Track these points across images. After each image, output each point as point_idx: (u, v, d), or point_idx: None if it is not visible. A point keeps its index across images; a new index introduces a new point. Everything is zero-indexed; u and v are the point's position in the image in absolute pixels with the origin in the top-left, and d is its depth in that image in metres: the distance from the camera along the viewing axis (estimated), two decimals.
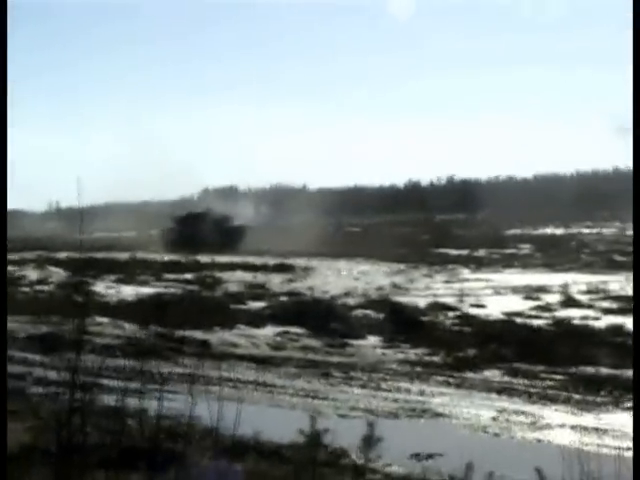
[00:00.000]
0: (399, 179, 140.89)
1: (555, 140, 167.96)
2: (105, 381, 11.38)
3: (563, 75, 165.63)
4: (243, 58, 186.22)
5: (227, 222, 58.92)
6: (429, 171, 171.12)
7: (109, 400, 8.48)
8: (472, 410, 11.83)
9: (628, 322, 15.89)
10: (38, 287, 28.23)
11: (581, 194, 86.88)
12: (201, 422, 8.66)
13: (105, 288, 27.79)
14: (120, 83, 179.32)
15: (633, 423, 7.40)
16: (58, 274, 32.25)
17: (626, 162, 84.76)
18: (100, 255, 43.56)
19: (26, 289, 27.90)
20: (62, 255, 38.79)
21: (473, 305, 23.15)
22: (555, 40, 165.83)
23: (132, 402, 8.61)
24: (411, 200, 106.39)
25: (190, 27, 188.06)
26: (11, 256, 44.66)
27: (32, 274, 33.00)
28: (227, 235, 54.27)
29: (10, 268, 36.27)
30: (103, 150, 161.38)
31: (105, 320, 19.19)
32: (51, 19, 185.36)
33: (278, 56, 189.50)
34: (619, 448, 9.05)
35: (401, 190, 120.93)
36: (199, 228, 54.57)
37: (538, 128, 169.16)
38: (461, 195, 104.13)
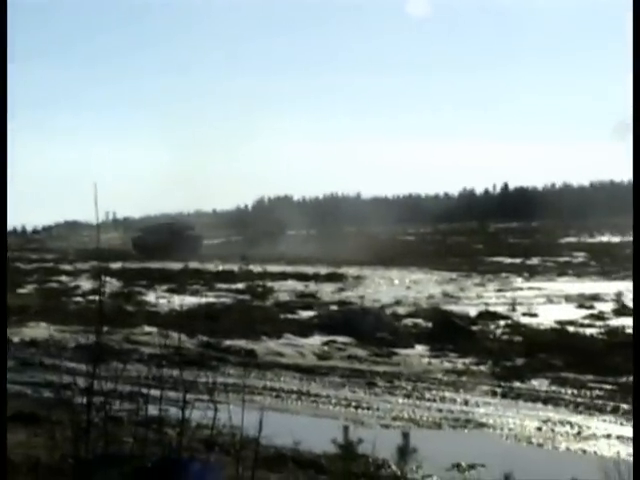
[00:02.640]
0: (454, 188, 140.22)
1: (612, 147, 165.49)
2: (149, 390, 11.49)
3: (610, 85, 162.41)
4: (306, 71, 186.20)
5: (187, 231, 63.29)
6: (484, 179, 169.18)
7: (151, 410, 8.51)
8: (517, 420, 11.68)
9: None
10: (91, 297, 28.47)
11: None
12: (241, 432, 8.64)
13: (156, 298, 27.98)
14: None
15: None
16: (111, 284, 32.50)
17: None
18: (154, 265, 43.98)
19: (79, 299, 28.21)
20: (116, 265, 39.09)
21: (525, 314, 22.87)
22: None
23: (174, 412, 8.64)
24: (465, 209, 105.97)
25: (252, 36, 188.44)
26: (66, 267, 45.39)
27: (86, 284, 33.28)
28: (185, 242, 58.18)
29: (64, 279, 36.84)
30: (161, 159, 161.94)
31: (154, 330, 19.27)
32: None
33: (332, 69, 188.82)
34: None
35: (455, 199, 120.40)
36: (161, 236, 59.06)
37: (595, 136, 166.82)
38: (516, 203, 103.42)
